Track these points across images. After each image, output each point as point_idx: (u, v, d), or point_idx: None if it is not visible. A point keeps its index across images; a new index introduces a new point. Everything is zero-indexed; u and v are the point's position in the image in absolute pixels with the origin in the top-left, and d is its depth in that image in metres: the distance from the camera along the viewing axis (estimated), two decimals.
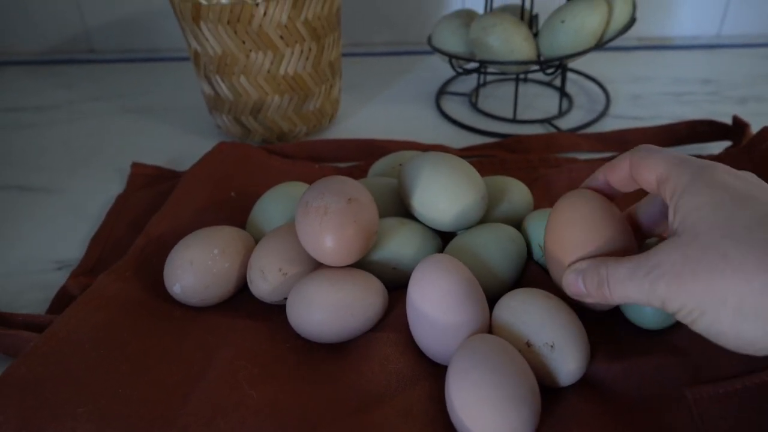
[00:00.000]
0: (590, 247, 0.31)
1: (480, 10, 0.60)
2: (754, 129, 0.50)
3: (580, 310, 0.33)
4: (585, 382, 0.31)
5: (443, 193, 0.37)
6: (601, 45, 0.53)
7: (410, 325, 0.33)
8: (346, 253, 0.34)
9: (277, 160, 0.51)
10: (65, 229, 0.48)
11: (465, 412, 0.28)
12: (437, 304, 0.31)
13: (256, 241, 0.39)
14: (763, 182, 0.28)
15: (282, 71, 0.52)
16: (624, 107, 0.62)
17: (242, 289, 0.38)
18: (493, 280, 0.36)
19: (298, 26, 0.51)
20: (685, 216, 0.26)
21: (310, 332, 0.33)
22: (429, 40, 0.59)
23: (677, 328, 0.33)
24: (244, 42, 0.50)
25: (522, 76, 0.67)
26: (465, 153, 0.53)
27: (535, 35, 0.55)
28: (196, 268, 0.36)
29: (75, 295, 0.39)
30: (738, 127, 0.51)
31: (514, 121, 0.60)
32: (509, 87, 0.67)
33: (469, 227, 0.38)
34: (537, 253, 0.38)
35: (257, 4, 0.48)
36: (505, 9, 0.58)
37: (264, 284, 0.35)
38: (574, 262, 0.31)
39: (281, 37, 0.51)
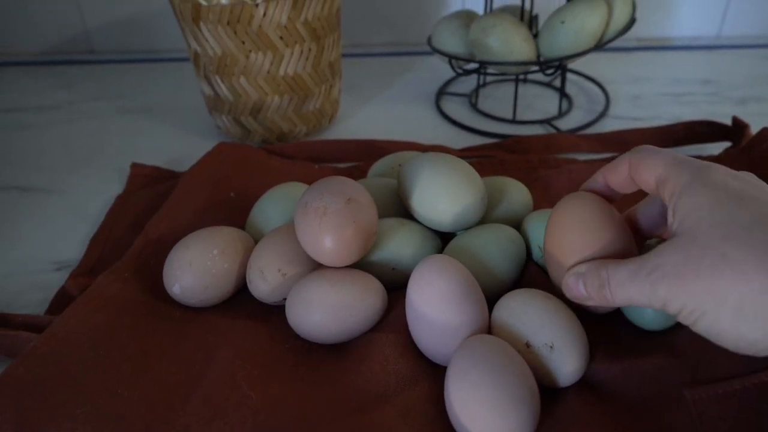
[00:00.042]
0: (590, 250, 0.31)
1: (480, 10, 0.60)
2: (754, 130, 0.50)
3: (580, 310, 0.33)
4: (584, 383, 0.31)
5: (443, 194, 0.37)
6: (600, 46, 0.53)
7: (409, 326, 0.33)
8: (346, 254, 0.34)
9: (276, 160, 0.51)
10: (65, 229, 0.48)
11: (464, 412, 0.28)
12: (436, 305, 0.31)
13: (256, 242, 0.39)
14: (761, 182, 0.28)
15: (282, 72, 0.52)
16: (624, 108, 0.62)
17: (241, 289, 0.38)
18: (493, 281, 0.36)
19: (298, 27, 0.51)
20: (684, 217, 0.26)
21: (310, 333, 0.33)
22: (429, 41, 0.59)
23: (677, 328, 0.33)
24: (243, 42, 0.50)
25: (522, 76, 0.67)
26: (464, 153, 0.53)
27: (535, 36, 0.55)
28: (195, 269, 0.36)
29: (74, 295, 0.39)
30: (737, 128, 0.51)
31: (513, 121, 0.60)
32: (509, 88, 0.67)
33: (468, 228, 0.38)
34: (536, 254, 0.38)
35: (257, 5, 0.48)
36: (505, 10, 0.58)
37: (263, 285, 0.35)
38: (573, 266, 0.31)
39: (281, 38, 0.51)
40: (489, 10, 0.58)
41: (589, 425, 0.29)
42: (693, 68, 0.70)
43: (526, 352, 0.30)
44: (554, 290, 0.33)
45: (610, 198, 0.33)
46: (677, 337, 0.32)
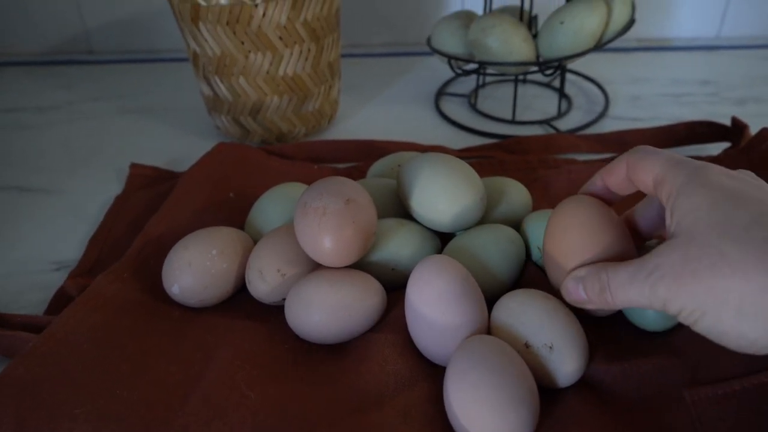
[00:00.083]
0: (589, 254, 0.31)
1: (479, 11, 0.60)
2: (753, 130, 0.50)
3: (579, 311, 0.33)
4: (584, 383, 0.31)
5: (442, 194, 0.37)
6: (600, 46, 0.54)
7: (409, 326, 0.33)
8: (345, 254, 0.34)
9: (275, 160, 0.51)
10: (64, 229, 0.47)
11: (463, 413, 0.28)
12: (436, 305, 0.31)
13: (255, 242, 0.39)
14: (760, 180, 0.28)
15: (281, 72, 0.52)
16: (623, 108, 0.62)
17: (241, 289, 0.38)
18: (492, 281, 0.36)
19: (297, 27, 0.51)
20: (681, 217, 0.26)
21: (309, 333, 0.33)
22: (428, 41, 0.59)
23: (677, 329, 0.33)
24: (243, 43, 0.50)
25: (521, 77, 0.67)
26: (464, 154, 0.53)
27: (535, 36, 0.56)
28: (194, 269, 0.36)
29: (73, 295, 0.39)
30: (737, 128, 0.51)
31: (513, 122, 0.60)
32: (508, 88, 0.67)
33: (467, 228, 0.38)
34: (535, 254, 0.38)
35: (256, 5, 0.48)
36: (505, 10, 0.58)
37: (262, 285, 0.35)
38: (572, 270, 0.31)
39: (280, 38, 0.51)
40: (488, 11, 0.58)
41: (589, 425, 0.29)
42: (692, 69, 0.70)
43: (525, 352, 0.30)
44: (553, 290, 0.33)
45: (608, 200, 0.33)
46: (677, 338, 0.32)
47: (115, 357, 0.33)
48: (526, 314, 0.31)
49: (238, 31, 0.49)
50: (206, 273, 0.36)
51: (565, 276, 0.31)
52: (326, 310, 0.33)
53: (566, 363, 0.30)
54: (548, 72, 0.56)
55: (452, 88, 0.68)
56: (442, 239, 0.40)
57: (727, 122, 0.53)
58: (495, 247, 0.36)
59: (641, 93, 0.65)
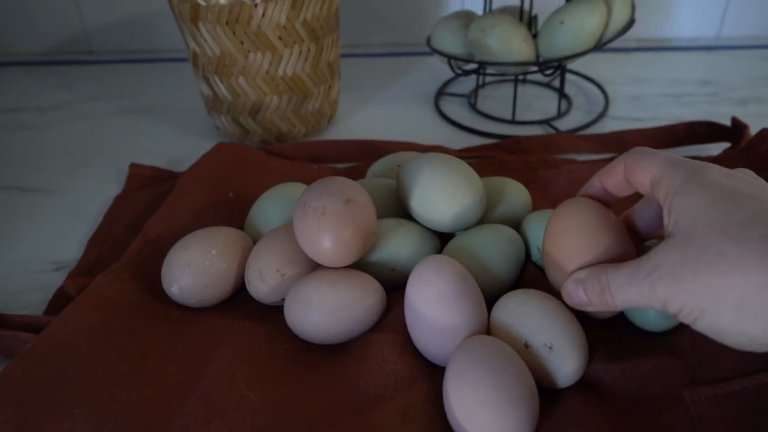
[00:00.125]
0: (589, 256, 0.31)
1: (479, 11, 0.60)
2: (753, 130, 0.50)
3: (580, 312, 0.33)
4: (583, 384, 0.31)
5: (442, 194, 0.37)
6: (600, 46, 0.53)
7: (408, 326, 0.33)
8: (345, 254, 0.34)
9: (275, 160, 0.51)
10: (64, 229, 0.47)
11: (463, 413, 0.28)
12: (435, 305, 0.31)
13: (254, 242, 0.39)
14: (759, 179, 0.28)
15: (281, 72, 0.52)
16: (623, 108, 0.62)
17: (240, 290, 0.38)
18: (492, 281, 0.36)
19: (297, 27, 0.51)
20: (679, 217, 0.26)
21: (308, 333, 0.33)
22: (428, 41, 0.59)
23: (677, 329, 0.33)
24: (242, 43, 0.50)
25: (521, 77, 0.67)
26: (464, 154, 0.53)
27: (534, 36, 0.55)
28: (194, 269, 0.36)
29: (72, 296, 0.39)
30: (737, 129, 0.51)
31: (512, 122, 0.60)
32: (508, 88, 0.67)
33: (467, 228, 0.38)
34: (535, 255, 0.38)
35: (256, 5, 0.48)
36: (504, 10, 0.58)
37: (262, 285, 0.35)
38: (572, 272, 0.31)
39: (280, 38, 0.51)
40: (488, 11, 0.58)
41: (589, 426, 0.29)
42: (692, 69, 0.70)
43: (525, 352, 0.30)
44: (553, 291, 0.33)
45: (607, 202, 0.33)
46: (677, 338, 0.32)
47: (114, 357, 0.33)
48: (525, 314, 0.31)
49: (238, 31, 0.49)
50: (205, 273, 0.36)
51: (565, 279, 0.31)
52: (326, 310, 0.33)
53: (566, 363, 0.30)
54: (548, 72, 0.56)
55: (452, 88, 0.68)
56: (441, 239, 0.39)
57: (727, 122, 0.53)
58: (495, 247, 0.36)
59: (641, 93, 0.65)
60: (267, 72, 0.52)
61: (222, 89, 0.54)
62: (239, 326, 0.35)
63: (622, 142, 0.54)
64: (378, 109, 0.65)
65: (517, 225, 0.40)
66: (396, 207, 0.40)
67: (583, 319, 0.32)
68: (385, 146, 0.53)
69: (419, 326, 0.32)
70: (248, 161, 0.50)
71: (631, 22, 0.54)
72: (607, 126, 0.59)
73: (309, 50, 0.53)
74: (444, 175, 0.37)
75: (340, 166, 0.53)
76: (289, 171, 0.50)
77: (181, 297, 0.36)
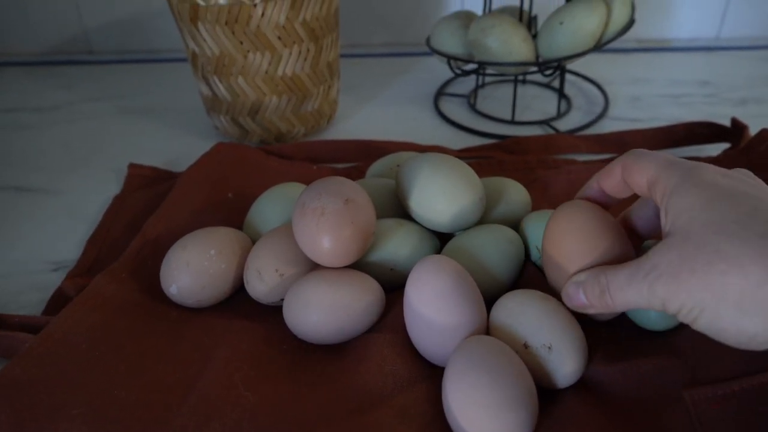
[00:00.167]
0: (588, 259, 0.31)
1: (479, 11, 0.60)
2: (753, 131, 0.50)
3: (580, 314, 0.33)
4: (583, 384, 0.31)
5: (441, 194, 0.37)
6: (599, 47, 0.53)
7: (407, 326, 0.33)
8: (343, 254, 0.34)
9: (274, 161, 0.51)
10: (64, 229, 0.47)
11: (462, 413, 0.28)
12: (434, 305, 0.31)
13: (253, 242, 0.39)
14: (755, 179, 0.28)
15: (280, 72, 0.52)
16: (622, 109, 0.62)
17: (239, 290, 0.38)
18: (491, 282, 0.36)
19: (296, 27, 0.51)
20: (676, 217, 0.26)
21: (307, 333, 0.33)
22: (427, 42, 0.59)
23: (677, 329, 0.33)
24: (241, 43, 0.50)
25: (520, 77, 0.67)
26: (463, 154, 0.53)
27: (534, 36, 0.55)
28: (192, 269, 0.36)
29: (71, 296, 0.39)
30: (736, 129, 0.51)
31: (512, 122, 0.60)
32: (508, 88, 0.67)
33: (466, 228, 0.38)
34: (534, 255, 0.38)
35: (255, 5, 0.48)
36: (504, 10, 0.58)
37: (261, 285, 0.35)
38: (572, 275, 0.31)
39: (279, 38, 0.50)
40: (488, 11, 0.58)
41: (588, 426, 0.29)
42: (692, 69, 0.70)
43: (524, 353, 0.30)
44: (552, 291, 0.33)
45: (606, 204, 0.33)
46: (677, 338, 0.32)
47: (112, 357, 0.33)
48: (525, 314, 0.31)
49: (237, 31, 0.49)
50: (204, 273, 0.36)
51: (565, 281, 0.31)
52: (324, 310, 0.33)
53: (565, 363, 0.30)
54: (548, 72, 0.56)
55: (451, 89, 0.68)
56: (441, 239, 0.39)
57: (727, 123, 0.53)
58: (494, 248, 0.36)
59: (641, 94, 0.65)
60: (266, 72, 0.52)
61: (221, 89, 0.54)
62: (238, 326, 0.35)
63: (622, 143, 0.54)
64: (377, 109, 0.65)
65: (516, 225, 0.40)
66: (395, 207, 0.40)
67: (583, 319, 0.32)
68: (384, 146, 0.53)
69: (418, 326, 0.32)
70: (247, 161, 0.50)
71: (630, 23, 0.54)
72: (606, 126, 0.59)
73: (308, 50, 0.53)
74: (443, 175, 0.37)
75: (340, 166, 0.53)
76: (288, 171, 0.50)
77: (179, 297, 0.36)
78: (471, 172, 0.38)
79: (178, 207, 0.44)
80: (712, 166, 0.28)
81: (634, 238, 0.34)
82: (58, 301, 0.39)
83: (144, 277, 0.39)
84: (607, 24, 0.53)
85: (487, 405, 0.27)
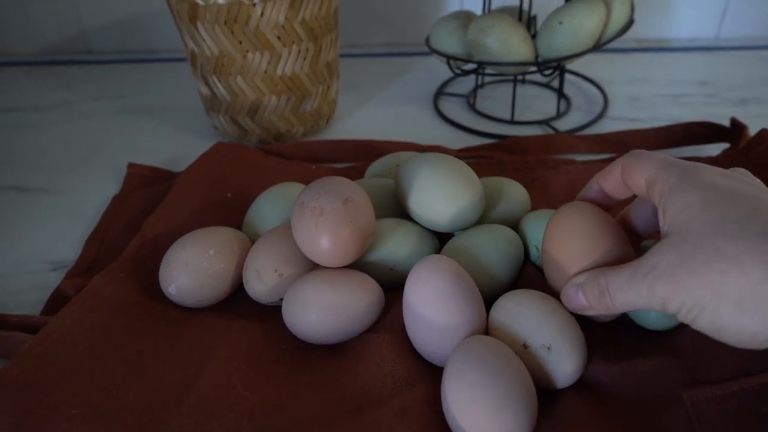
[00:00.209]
0: (588, 260, 0.31)
1: (478, 11, 0.60)
2: (752, 131, 0.50)
3: (580, 316, 0.33)
4: (582, 384, 0.31)
5: (440, 194, 0.37)
6: (599, 46, 0.53)
7: (406, 326, 0.33)
8: (343, 254, 0.34)
9: (273, 160, 0.51)
10: (63, 229, 0.47)
11: (461, 413, 0.28)
12: (433, 305, 0.31)
13: (252, 242, 0.39)
14: (754, 178, 0.28)
15: (279, 72, 0.52)
16: (622, 109, 0.62)
17: (238, 290, 0.38)
18: (490, 282, 0.35)
19: (296, 27, 0.51)
20: (674, 217, 0.26)
21: (306, 333, 0.33)
22: (427, 41, 0.59)
23: (676, 329, 0.33)
24: (241, 42, 0.50)
25: (520, 77, 0.67)
26: (462, 154, 0.53)
27: (533, 36, 0.55)
28: (191, 269, 0.36)
29: (70, 296, 0.38)
30: (736, 129, 0.51)
31: (511, 122, 0.60)
32: (507, 88, 0.67)
33: (466, 228, 0.38)
34: (534, 255, 0.38)
35: (254, 5, 0.48)
36: (503, 10, 0.58)
37: (260, 285, 0.35)
38: (572, 277, 0.31)
39: (278, 38, 0.50)
40: (487, 11, 0.58)
41: (587, 426, 0.29)
42: (691, 69, 0.70)
43: (523, 353, 0.30)
44: (552, 291, 0.33)
45: (606, 206, 0.33)
46: (676, 339, 0.32)
47: (111, 357, 0.33)
48: (524, 315, 0.31)
49: (236, 30, 0.49)
50: (203, 273, 0.36)
51: (564, 283, 0.31)
52: (323, 310, 0.33)
53: (564, 364, 0.30)
54: (547, 72, 0.56)
55: (451, 88, 0.68)
56: (440, 239, 0.39)
57: (726, 123, 0.53)
58: (493, 248, 0.36)
59: (640, 94, 0.65)
60: (265, 72, 0.52)
61: (220, 89, 0.54)
62: (237, 326, 0.35)
63: (621, 143, 0.54)
64: (376, 109, 0.65)
65: (515, 225, 0.40)
66: (394, 207, 0.40)
67: (582, 319, 0.32)
68: (383, 146, 0.53)
69: (417, 326, 0.32)
70: (246, 161, 0.50)
71: (630, 23, 0.54)
72: (606, 126, 0.59)
73: (307, 50, 0.53)
74: (442, 175, 0.37)
75: (339, 165, 0.53)
76: (287, 171, 0.50)
77: (178, 297, 0.36)
78: (470, 172, 0.38)
79: (177, 207, 0.44)
80: (710, 167, 0.28)
81: (633, 238, 0.34)
82: (57, 301, 0.39)
83: (143, 276, 0.39)
84: (606, 24, 0.53)
85: (487, 405, 0.27)
